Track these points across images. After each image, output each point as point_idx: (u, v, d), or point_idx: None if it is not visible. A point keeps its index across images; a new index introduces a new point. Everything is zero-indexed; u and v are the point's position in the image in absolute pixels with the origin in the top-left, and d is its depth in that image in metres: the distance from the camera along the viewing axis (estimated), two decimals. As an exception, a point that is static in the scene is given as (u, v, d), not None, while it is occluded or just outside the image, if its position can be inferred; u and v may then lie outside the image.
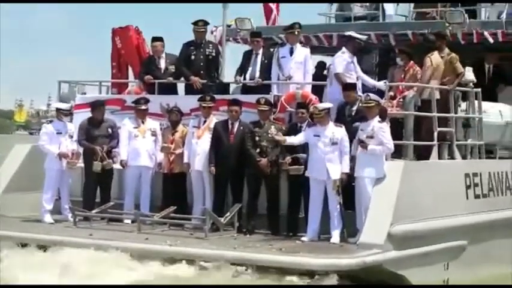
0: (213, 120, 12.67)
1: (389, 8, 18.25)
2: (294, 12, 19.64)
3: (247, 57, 13.29)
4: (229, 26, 16.31)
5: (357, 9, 18.81)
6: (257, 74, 13.04)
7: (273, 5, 17.82)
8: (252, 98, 12.47)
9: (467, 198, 12.27)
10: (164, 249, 10.82)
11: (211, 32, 17.09)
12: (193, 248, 10.83)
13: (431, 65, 12.28)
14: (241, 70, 13.23)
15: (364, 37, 13.19)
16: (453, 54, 12.68)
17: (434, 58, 12.42)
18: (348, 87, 11.96)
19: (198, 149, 12.53)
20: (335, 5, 18.67)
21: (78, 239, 11.41)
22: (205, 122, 12.68)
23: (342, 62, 12.32)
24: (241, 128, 12.27)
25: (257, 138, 12.05)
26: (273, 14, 17.42)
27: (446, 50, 12.79)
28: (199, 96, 12.76)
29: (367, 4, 19.00)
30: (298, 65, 12.74)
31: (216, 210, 12.08)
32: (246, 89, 13.15)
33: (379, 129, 11.06)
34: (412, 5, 18.29)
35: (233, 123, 12.34)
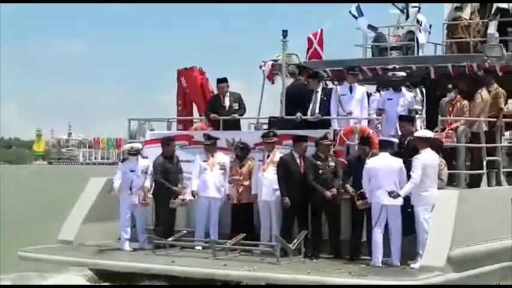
0: (277, 154, 13.76)
1: (421, 37, 19.36)
2: (331, 43, 20.83)
3: (308, 94, 14.38)
4: (276, 61, 17.47)
5: (391, 40, 20.04)
6: (317, 111, 14.15)
7: (315, 39, 18.89)
8: (316, 133, 13.55)
9: (514, 221, 13.33)
10: (245, 274, 11.88)
11: (260, 67, 18.27)
12: (271, 273, 11.89)
13: (481, 101, 13.36)
14: (300, 106, 14.34)
15: (403, 74, 14.32)
16: (500, 90, 13.77)
17: (484, 94, 13.52)
18: (403, 119, 13.06)
19: (264, 181, 13.62)
20: (371, 37, 19.80)
21: (162, 266, 12.52)
22: (268, 156, 13.78)
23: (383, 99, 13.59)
24: (306, 161, 13.35)
25: (320, 171, 13.13)
26: (313, 46, 18.45)
27: (495, 85, 13.84)
28: (263, 132, 13.85)
29: (401, 34, 20.19)
30: (357, 102, 13.89)
31: (283, 238, 13.14)
32: (306, 125, 14.21)
33: (413, 159, 12.05)
34: (444, 34, 19.45)
35: (300, 156, 13.43)
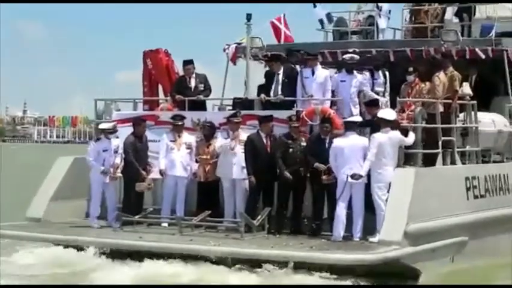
0: (241, 133, 14.20)
1: (381, 22, 19.92)
2: (296, 28, 21.32)
3: (270, 76, 14.85)
4: (239, 44, 17.89)
5: (352, 24, 20.58)
6: (279, 92, 14.62)
7: (280, 23, 19.36)
8: (280, 114, 14.03)
9: (467, 198, 13.96)
10: (211, 249, 12.33)
11: (224, 50, 18.68)
12: (235, 248, 12.37)
13: (440, 83, 13.94)
14: (265, 89, 14.81)
15: (357, 57, 14.88)
16: (455, 73, 14.38)
17: (442, 77, 14.12)
18: (369, 104, 13.61)
19: (233, 159, 14.04)
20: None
21: (129, 242, 12.93)
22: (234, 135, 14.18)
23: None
24: (276, 140, 13.81)
25: (290, 150, 13.60)
26: (282, 31, 18.94)
27: (451, 68, 14.45)
28: (232, 112, 14.28)
29: (361, 19, 20.74)
30: (318, 85, 14.38)
31: (248, 214, 13.62)
32: (269, 106, 14.67)
33: (371, 138, 12.65)
34: (406, 20, 20.06)
35: (267, 136, 13.88)
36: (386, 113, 12.98)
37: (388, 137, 12.79)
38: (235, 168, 14.10)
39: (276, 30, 19.06)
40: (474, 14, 19.14)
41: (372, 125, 13.14)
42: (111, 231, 13.83)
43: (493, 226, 14.58)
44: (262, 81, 15.69)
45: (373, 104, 13.51)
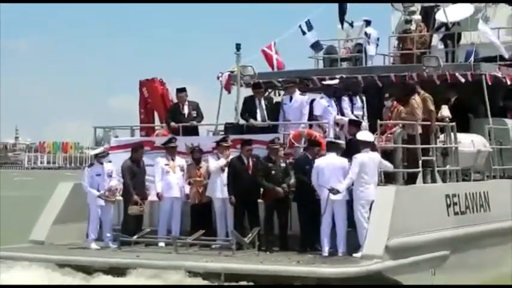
0: (230, 157, 15.01)
1: (370, 49, 20.82)
2: (287, 54, 22.22)
3: (253, 103, 15.73)
4: (232, 72, 18.77)
5: (342, 51, 21.48)
6: (266, 117, 15.53)
7: (270, 51, 20.24)
8: (265, 137, 14.86)
9: (448, 215, 14.71)
10: (206, 266, 13.07)
11: (218, 78, 19.56)
12: (226, 264, 13.11)
13: (418, 105, 14.75)
14: (249, 113, 15.66)
15: (336, 81, 15.66)
16: (426, 94, 15.23)
17: (418, 99, 14.94)
18: (351, 123, 14.44)
19: (223, 180, 14.81)
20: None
21: (127, 260, 13.68)
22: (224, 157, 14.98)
23: (320, 106, 15.10)
24: (256, 162, 14.61)
25: (273, 172, 14.39)
26: (274, 59, 19.82)
27: (422, 91, 15.29)
28: (221, 137, 15.10)
29: (350, 47, 21.63)
30: (295, 110, 15.45)
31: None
32: (255, 130, 15.51)
33: (353, 158, 13.45)
34: (394, 46, 20.99)
35: (248, 158, 14.69)
36: (365, 135, 13.78)
37: (368, 157, 13.58)
38: (225, 189, 14.88)
39: (268, 58, 19.95)
40: (459, 41, 20.05)
41: (352, 147, 13.93)
42: (110, 252, 14.56)
43: (474, 241, 15.31)
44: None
45: (356, 125, 14.32)
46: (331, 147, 14.03)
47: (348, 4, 21.55)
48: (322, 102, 15.27)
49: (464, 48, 19.80)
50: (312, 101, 15.62)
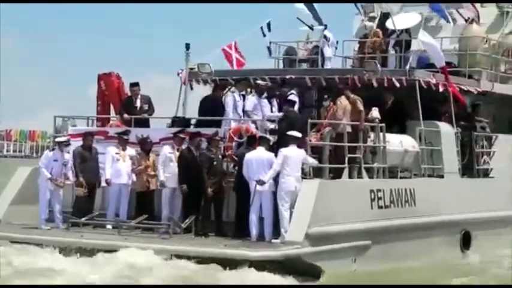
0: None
1: (328, 51, 22.08)
2: (250, 54, 23.49)
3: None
4: (192, 69, 20.03)
5: (300, 53, 22.74)
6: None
7: (231, 50, 21.49)
8: (209, 131, 16.21)
9: (371, 208, 15.99)
10: (137, 245, 14.40)
11: (178, 74, 20.82)
12: (157, 244, 14.45)
13: (341, 107, 16.07)
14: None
15: (264, 83, 17.04)
16: (356, 96, 16.55)
17: (343, 101, 16.26)
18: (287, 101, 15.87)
19: (176, 170, 16.06)
20: (283, 49, 22.47)
21: (71, 239, 15.00)
22: (178, 149, 16.28)
23: (251, 102, 16.48)
24: (202, 154, 15.90)
25: (214, 163, 15.70)
26: (233, 56, 21.07)
27: (352, 95, 16.58)
28: (178, 129, 16.34)
29: (310, 47, 22.89)
30: (252, 107, 16.77)
31: (184, 219, 15.63)
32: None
33: (278, 152, 14.73)
34: (355, 50, 22.29)
35: (197, 149, 15.95)
36: (292, 132, 15.10)
37: (293, 152, 14.89)
38: (176, 178, 16.16)
39: (228, 56, 21.20)
40: (409, 47, 21.29)
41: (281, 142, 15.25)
42: (59, 231, 15.87)
43: (398, 233, 16.59)
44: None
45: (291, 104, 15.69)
46: (261, 141, 15.34)
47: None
48: (252, 99, 16.59)
49: (415, 54, 21.06)
50: (244, 97, 16.93)
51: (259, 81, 16.99)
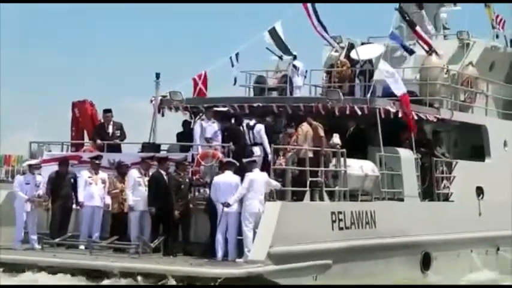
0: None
1: (298, 80, 22.98)
2: (221, 83, 24.37)
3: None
4: (164, 96, 20.86)
5: (271, 81, 23.63)
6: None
7: (199, 80, 22.36)
8: (177, 156, 17.06)
9: (332, 229, 16.81)
10: (104, 264, 15.14)
11: (151, 101, 21.62)
12: (124, 263, 15.20)
13: (302, 134, 16.98)
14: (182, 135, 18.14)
15: (225, 109, 18.20)
16: (317, 124, 17.47)
17: (305, 127, 17.17)
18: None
19: (145, 193, 16.84)
20: (253, 78, 23.35)
21: (45, 259, 15.70)
22: (145, 174, 17.07)
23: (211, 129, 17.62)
24: (171, 177, 16.70)
25: (182, 186, 16.49)
26: (198, 86, 21.91)
27: (314, 122, 17.48)
28: (148, 155, 17.20)
29: (279, 76, 23.79)
30: (210, 134, 17.76)
31: (153, 239, 16.39)
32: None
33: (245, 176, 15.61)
34: (323, 79, 23.24)
35: (167, 173, 16.73)
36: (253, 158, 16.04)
37: (258, 175, 15.74)
38: (145, 202, 16.93)
39: (195, 86, 22.06)
40: (371, 77, 22.24)
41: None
42: (33, 252, 16.56)
43: (359, 253, 17.41)
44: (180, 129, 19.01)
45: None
46: (229, 165, 16.17)
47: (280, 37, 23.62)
48: (213, 126, 17.51)
49: (379, 83, 22.01)
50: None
51: (219, 108, 17.91)
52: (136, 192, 16.99)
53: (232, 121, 18.53)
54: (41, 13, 61.62)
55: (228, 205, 15.55)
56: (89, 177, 17.44)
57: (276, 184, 16.08)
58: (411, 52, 22.12)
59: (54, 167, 17.81)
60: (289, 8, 22.84)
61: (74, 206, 17.56)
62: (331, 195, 17.47)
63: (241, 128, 17.75)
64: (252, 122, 18.04)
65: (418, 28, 22.84)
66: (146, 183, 16.96)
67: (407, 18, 22.95)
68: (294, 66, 22.75)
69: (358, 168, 18.05)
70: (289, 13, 22.54)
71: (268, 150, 17.21)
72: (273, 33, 22.01)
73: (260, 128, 17.85)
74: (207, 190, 16.71)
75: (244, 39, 24.56)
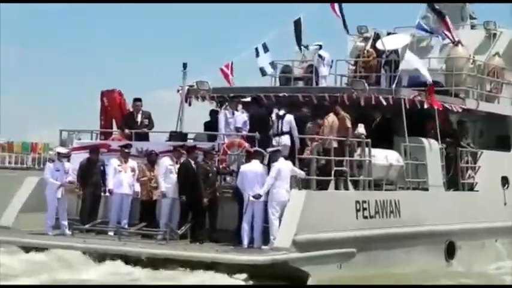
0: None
1: (323, 70, 23.13)
2: (248, 73, 24.63)
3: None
4: (191, 86, 21.16)
5: (297, 71, 23.80)
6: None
7: (228, 70, 22.61)
8: (204, 145, 17.34)
9: (357, 218, 17.02)
10: (135, 250, 15.46)
11: (178, 91, 21.94)
12: (151, 249, 15.52)
13: (327, 124, 17.18)
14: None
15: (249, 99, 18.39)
16: (345, 114, 17.59)
17: (330, 118, 17.35)
18: None
19: (175, 181, 17.12)
20: (279, 68, 23.55)
21: (75, 244, 16.09)
22: (177, 162, 17.37)
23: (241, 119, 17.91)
24: (199, 166, 17.00)
25: (210, 175, 16.80)
26: (230, 78, 22.18)
27: (342, 112, 17.65)
28: (178, 144, 17.48)
29: (305, 66, 23.95)
30: (242, 124, 18.05)
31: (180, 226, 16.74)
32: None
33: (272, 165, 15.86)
34: (349, 68, 23.39)
35: (195, 162, 17.04)
36: (276, 148, 16.43)
37: (284, 164, 16.00)
38: (173, 189, 17.25)
39: (224, 75, 22.31)
40: (397, 67, 22.34)
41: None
42: (63, 237, 16.97)
43: (383, 242, 17.61)
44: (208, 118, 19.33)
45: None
46: (256, 154, 16.44)
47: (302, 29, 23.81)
48: (242, 116, 17.74)
49: (406, 73, 22.10)
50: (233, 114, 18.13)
51: (245, 99, 18.16)
52: (168, 179, 17.31)
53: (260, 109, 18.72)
54: (41, 13, 62.35)
55: (259, 196, 15.82)
56: (119, 165, 17.78)
57: (300, 172, 16.32)
58: (443, 37, 22.17)
59: (83, 155, 18.17)
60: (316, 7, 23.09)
61: (103, 193, 17.91)
62: (356, 185, 17.68)
63: (270, 116, 17.90)
64: (281, 112, 18.19)
65: (447, 18, 22.91)
66: (177, 171, 17.29)
67: (435, 8, 23.01)
68: (320, 56, 22.89)
69: (383, 158, 18.22)
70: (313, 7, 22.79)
71: (297, 140, 17.48)
72: (298, 24, 22.23)
73: (290, 118, 18.03)
74: (234, 178, 17.02)
75: (264, 32, 24.70)
